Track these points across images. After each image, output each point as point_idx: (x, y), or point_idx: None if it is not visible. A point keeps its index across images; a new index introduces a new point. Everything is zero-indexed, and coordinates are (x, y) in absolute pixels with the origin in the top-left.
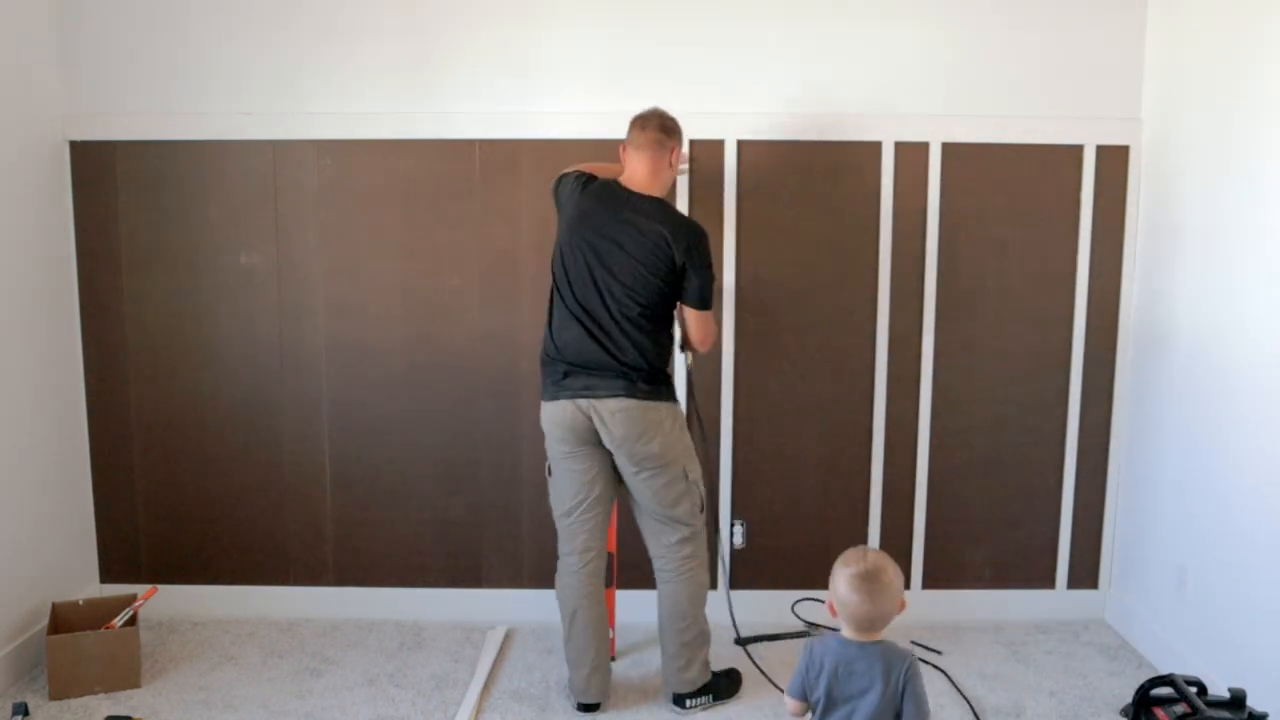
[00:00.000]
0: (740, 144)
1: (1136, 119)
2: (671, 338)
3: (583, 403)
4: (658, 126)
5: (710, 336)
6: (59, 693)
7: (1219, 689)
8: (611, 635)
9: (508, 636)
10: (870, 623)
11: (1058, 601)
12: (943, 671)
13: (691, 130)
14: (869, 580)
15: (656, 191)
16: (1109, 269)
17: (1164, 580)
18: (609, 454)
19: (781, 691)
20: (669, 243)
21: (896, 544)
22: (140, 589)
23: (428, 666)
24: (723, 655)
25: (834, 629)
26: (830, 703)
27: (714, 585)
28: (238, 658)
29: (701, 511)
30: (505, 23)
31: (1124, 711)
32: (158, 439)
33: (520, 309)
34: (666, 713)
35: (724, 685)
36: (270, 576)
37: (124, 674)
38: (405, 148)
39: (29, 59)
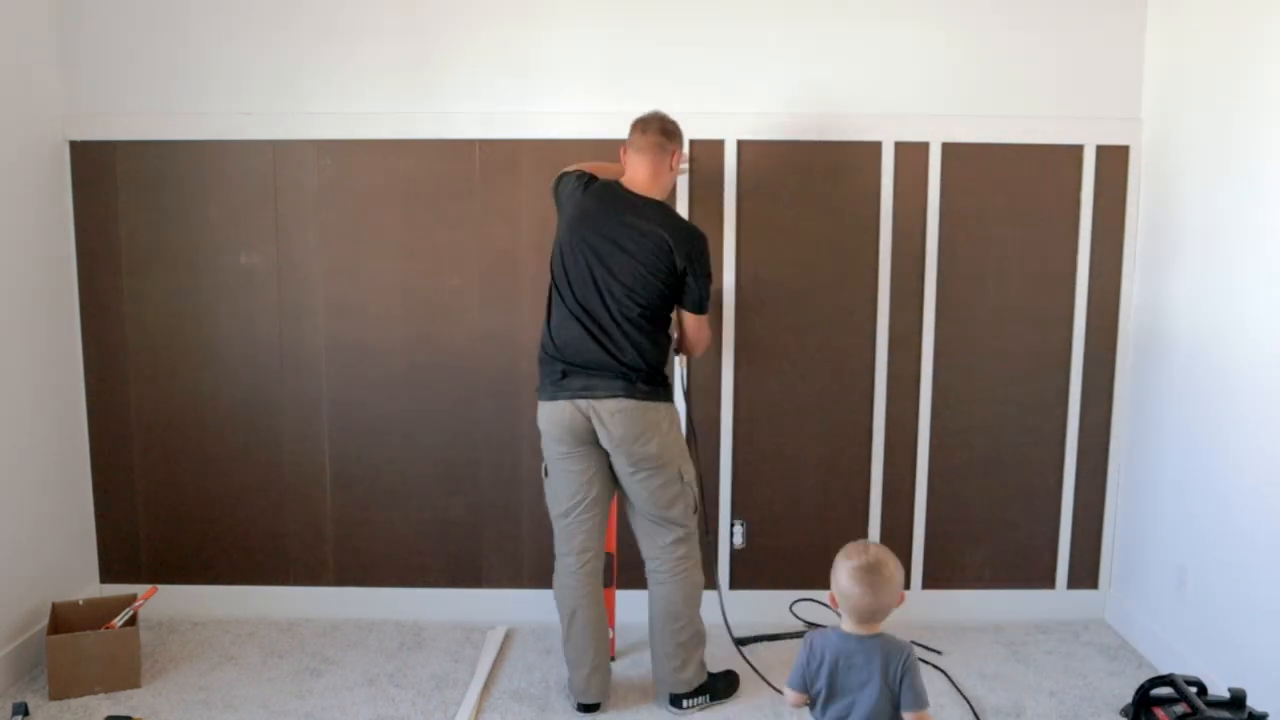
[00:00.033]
0: (740, 144)
1: (1136, 119)
2: (670, 339)
3: (581, 403)
4: (659, 130)
5: (705, 341)
6: (59, 693)
7: (1219, 689)
8: (611, 635)
9: (508, 636)
10: (871, 614)
11: (1058, 601)
12: (943, 671)
13: (691, 130)
14: (870, 573)
15: (657, 194)
16: (1109, 269)
17: (1164, 580)
18: (606, 454)
19: (777, 691)
20: (671, 247)
21: (896, 544)
22: (140, 589)
23: (428, 666)
24: (716, 655)
25: (834, 629)
26: (831, 695)
27: (708, 585)
28: (238, 658)
29: (695, 513)
30: (505, 23)
31: (1124, 711)
32: (158, 439)
33: (520, 309)
34: (665, 713)
35: (721, 685)
36: (270, 576)
37: (124, 674)
38: (405, 148)
39: (29, 59)
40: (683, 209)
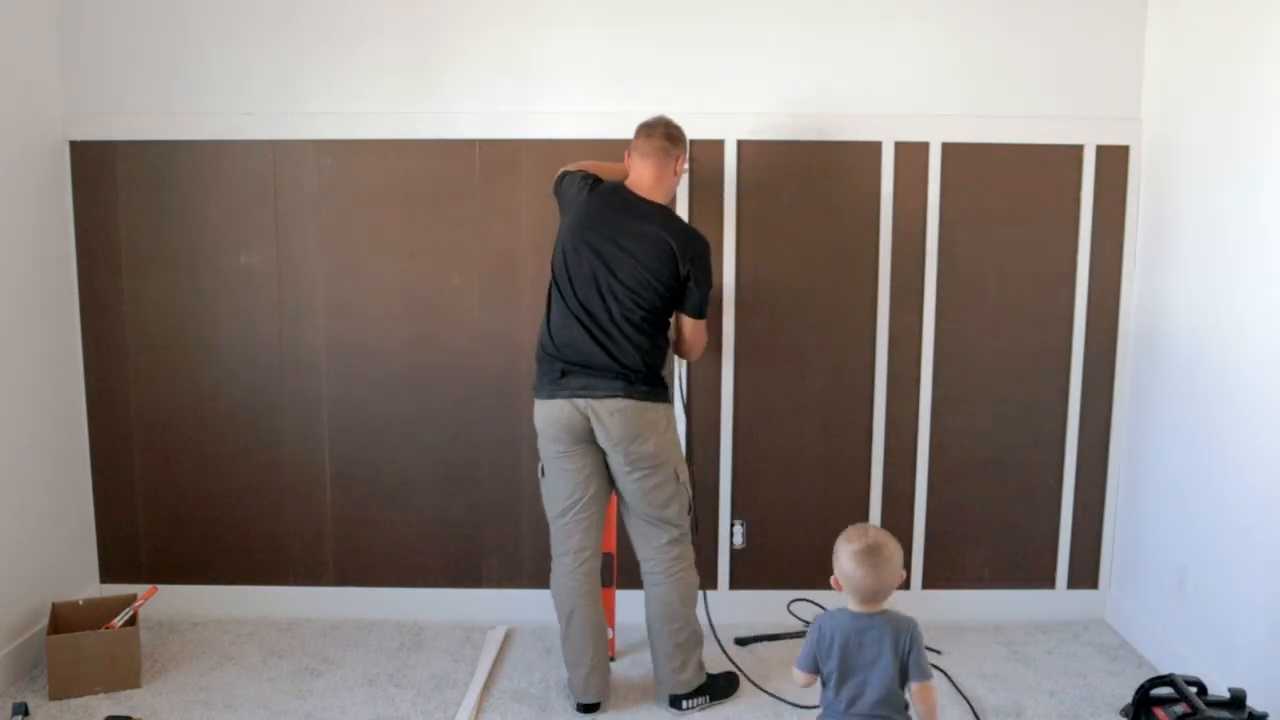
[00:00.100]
0: (740, 144)
1: (1136, 119)
2: (669, 341)
3: (580, 402)
4: (663, 135)
5: (701, 344)
6: (59, 693)
7: (1219, 689)
8: (611, 635)
9: (508, 636)
10: (874, 594)
11: (1058, 601)
12: (943, 671)
13: (691, 130)
14: (872, 555)
15: (660, 198)
16: (1109, 269)
17: (1164, 580)
18: (603, 453)
19: (771, 695)
20: (674, 251)
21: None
22: (140, 589)
23: (428, 666)
24: (706, 655)
25: (840, 610)
26: (844, 674)
27: (704, 586)
28: (238, 658)
29: (689, 514)
30: (505, 23)
31: (1124, 711)
32: (158, 439)
33: (520, 309)
34: (665, 713)
35: (721, 686)
36: (270, 576)
37: (124, 674)
38: (405, 148)
39: (29, 59)
40: (683, 209)
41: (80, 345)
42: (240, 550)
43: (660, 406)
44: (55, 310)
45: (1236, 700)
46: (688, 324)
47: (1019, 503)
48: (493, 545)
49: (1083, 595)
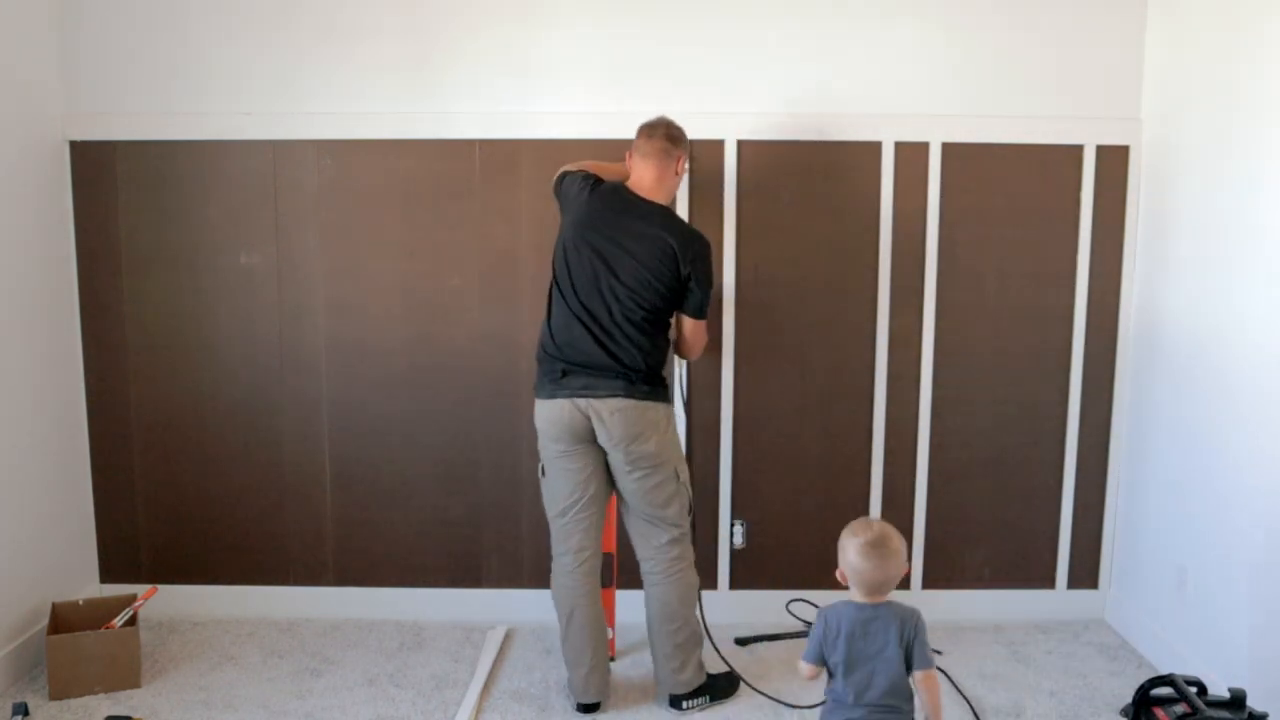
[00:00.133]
0: (740, 144)
1: (1136, 119)
2: (669, 341)
3: (581, 402)
4: (664, 136)
5: (702, 345)
6: (59, 693)
7: (1219, 689)
8: (611, 635)
9: (508, 636)
10: (879, 586)
11: (1058, 601)
12: (943, 671)
13: (692, 130)
14: (877, 547)
15: (662, 199)
16: (1109, 269)
17: (1164, 580)
18: (603, 453)
19: (768, 698)
20: (676, 252)
21: None
22: (140, 589)
23: (428, 666)
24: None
25: (844, 602)
26: (850, 664)
27: (703, 585)
28: (238, 658)
29: (690, 514)
30: (505, 23)
31: (1124, 711)
32: (158, 439)
33: (520, 309)
34: (665, 714)
35: (721, 686)
36: (270, 576)
37: (124, 674)
38: (405, 148)
39: (29, 59)
40: (683, 209)
41: (80, 345)
42: (240, 550)
43: (661, 406)
44: (55, 310)
45: (1236, 700)
46: (688, 324)
47: (1019, 503)
48: (493, 545)
49: (1083, 595)
